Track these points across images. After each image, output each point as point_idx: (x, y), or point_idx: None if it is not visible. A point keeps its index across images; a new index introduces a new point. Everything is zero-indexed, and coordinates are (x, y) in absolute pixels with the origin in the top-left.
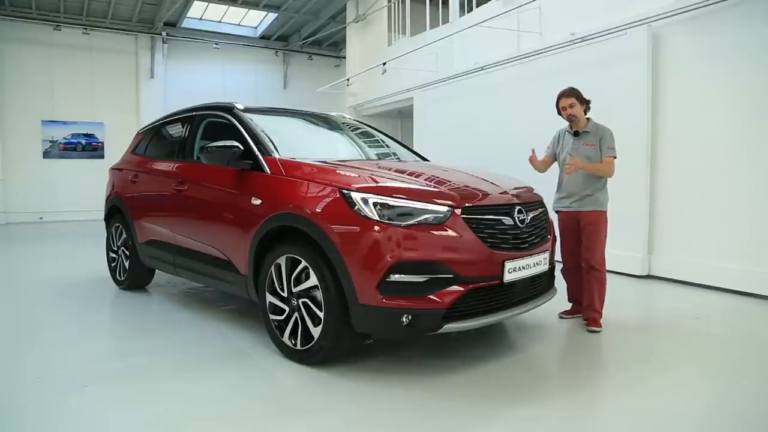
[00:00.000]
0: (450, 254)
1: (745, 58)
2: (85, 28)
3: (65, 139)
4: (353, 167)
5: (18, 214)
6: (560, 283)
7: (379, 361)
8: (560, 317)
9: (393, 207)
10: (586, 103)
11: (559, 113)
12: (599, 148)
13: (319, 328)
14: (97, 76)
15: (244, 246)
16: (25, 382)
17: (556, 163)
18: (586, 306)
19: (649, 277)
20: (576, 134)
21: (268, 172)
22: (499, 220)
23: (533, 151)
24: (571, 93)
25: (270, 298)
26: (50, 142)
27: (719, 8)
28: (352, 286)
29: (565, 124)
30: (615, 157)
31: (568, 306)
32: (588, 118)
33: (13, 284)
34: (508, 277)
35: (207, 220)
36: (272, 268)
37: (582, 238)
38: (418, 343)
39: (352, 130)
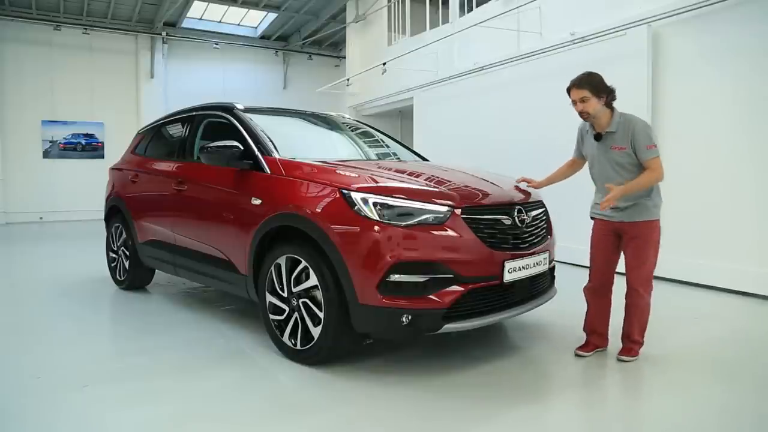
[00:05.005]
0: (450, 254)
1: (746, 58)
2: (85, 28)
3: (65, 139)
4: (353, 167)
5: (18, 214)
6: (560, 283)
7: (379, 361)
8: (576, 355)
9: (393, 207)
10: (606, 94)
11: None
12: (633, 150)
13: (319, 328)
14: (97, 76)
15: (244, 246)
16: (25, 382)
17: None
18: (623, 335)
19: None
20: (598, 137)
21: (268, 172)
22: (499, 220)
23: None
24: (582, 83)
25: (270, 298)
26: (50, 142)
27: (719, 8)
28: (352, 286)
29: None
30: (658, 155)
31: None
32: (612, 111)
33: (13, 284)
34: (508, 277)
35: (207, 220)
36: (272, 268)
37: (625, 253)
38: (418, 343)
39: (352, 130)
